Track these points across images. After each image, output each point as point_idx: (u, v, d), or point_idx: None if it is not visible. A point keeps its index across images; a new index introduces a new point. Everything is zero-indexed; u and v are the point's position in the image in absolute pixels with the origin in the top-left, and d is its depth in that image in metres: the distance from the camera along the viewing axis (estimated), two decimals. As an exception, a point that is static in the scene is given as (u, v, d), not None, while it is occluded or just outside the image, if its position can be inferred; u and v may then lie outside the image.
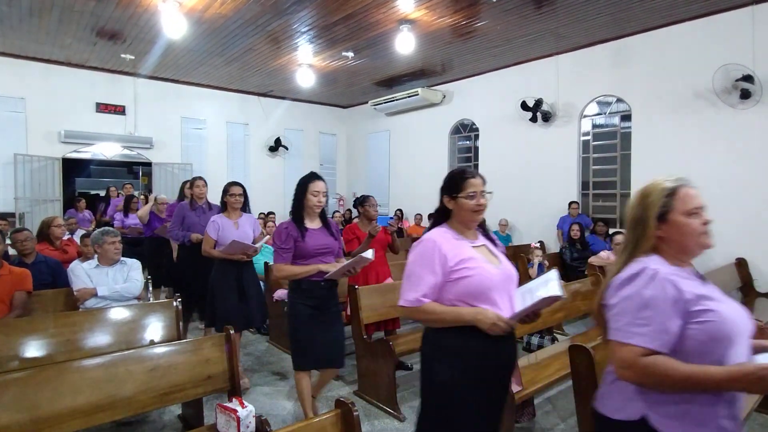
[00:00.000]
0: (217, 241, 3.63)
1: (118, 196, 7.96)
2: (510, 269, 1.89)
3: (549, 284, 1.72)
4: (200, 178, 4.59)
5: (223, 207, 3.76)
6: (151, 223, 5.84)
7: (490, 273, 1.77)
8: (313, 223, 2.81)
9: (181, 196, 5.15)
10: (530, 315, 1.76)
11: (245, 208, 3.83)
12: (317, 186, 2.75)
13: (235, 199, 3.70)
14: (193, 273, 4.28)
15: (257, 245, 3.60)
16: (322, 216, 2.88)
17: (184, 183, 5.17)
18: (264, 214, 9.06)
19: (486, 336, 1.71)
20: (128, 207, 6.70)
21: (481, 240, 1.95)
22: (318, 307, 2.75)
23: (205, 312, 3.85)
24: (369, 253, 2.71)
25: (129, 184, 8.04)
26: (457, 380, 1.78)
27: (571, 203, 7.32)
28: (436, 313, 1.77)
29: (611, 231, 6.64)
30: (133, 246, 5.92)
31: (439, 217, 1.93)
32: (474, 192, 1.85)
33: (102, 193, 13.09)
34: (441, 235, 1.82)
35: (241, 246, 3.49)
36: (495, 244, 2.01)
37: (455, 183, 1.86)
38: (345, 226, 5.29)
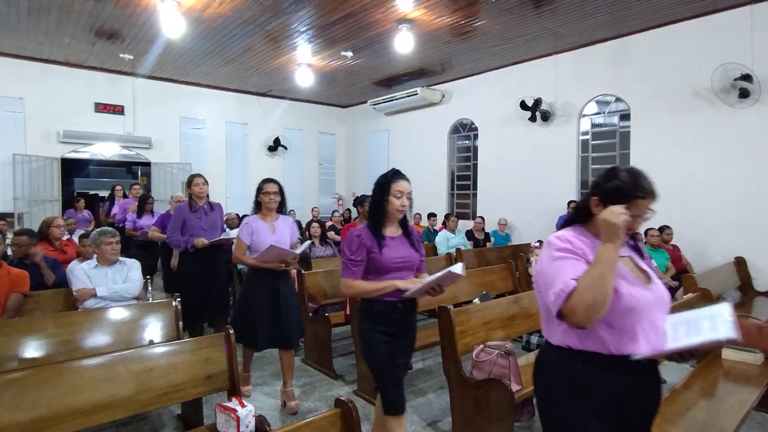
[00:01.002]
0: (250, 247, 3.25)
1: (125, 197, 7.57)
2: (662, 291, 1.56)
3: (718, 323, 1.38)
4: (199, 175, 4.17)
5: (257, 208, 3.34)
6: (165, 226, 5.50)
7: (639, 294, 1.44)
8: (391, 231, 2.35)
9: (189, 196, 4.72)
10: (682, 354, 1.45)
11: (282, 208, 3.37)
12: (401, 185, 2.29)
13: (270, 198, 3.25)
14: (202, 280, 3.96)
15: (297, 251, 3.19)
16: (403, 222, 2.42)
17: (191, 179, 4.69)
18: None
19: (629, 368, 1.41)
20: (143, 208, 6.30)
21: (626, 250, 1.60)
22: (394, 333, 2.31)
23: (233, 328, 3.36)
24: (458, 268, 2.18)
25: (137, 185, 7.64)
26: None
27: (569, 202, 7.32)
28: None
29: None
30: (144, 250, 5.72)
31: (577, 216, 1.60)
32: (639, 213, 1.47)
33: (101, 193, 13.11)
34: (576, 238, 1.51)
35: (280, 252, 3.11)
36: (642, 256, 1.66)
37: (623, 194, 1.45)
38: (343, 225, 5.27)
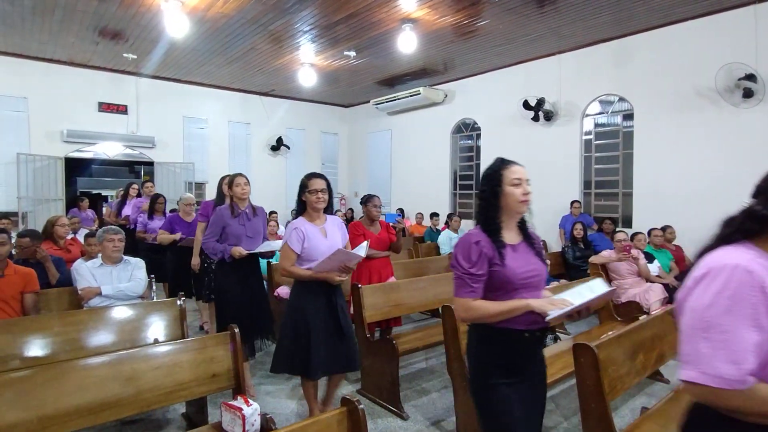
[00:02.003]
0: (301, 256, 2.73)
1: (139, 195, 6.89)
2: None
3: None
4: (241, 174, 3.59)
5: (301, 208, 2.83)
6: (174, 229, 5.02)
7: None
8: (510, 237, 1.84)
9: (220, 196, 4.08)
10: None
11: (329, 208, 2.87)
12: (516, 170, 1.84)
13: (318, 197, 2.73)
14: (243, 295, 3.42)
15: (362, 254, 2.70)
16: (522, 226, 1.92)
17: (222, 179, 4.14)
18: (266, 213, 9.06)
19: None
20: (153, 209, 5.80)
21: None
22: (521, 371, 1.77)
23: (280, 353, 2.80)
24: (604, 285, 1.87)
25: (150, 182, 7.04)
26: None
27: (573, 202, 7.31)
28: None
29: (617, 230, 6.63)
30: (154, 253, 5.29)
31: (739, 231, 1.15)
32: None
33: (104, 192, 13.14)
34: (755, 262, 1.03)
35: (346, 257, 2.64)
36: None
37: None
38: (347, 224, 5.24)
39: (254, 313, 3.47)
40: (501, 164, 1.86)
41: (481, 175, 1.91)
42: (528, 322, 1.73)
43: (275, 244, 3.52)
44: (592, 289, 1.85)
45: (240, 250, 3.36)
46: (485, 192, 1.85)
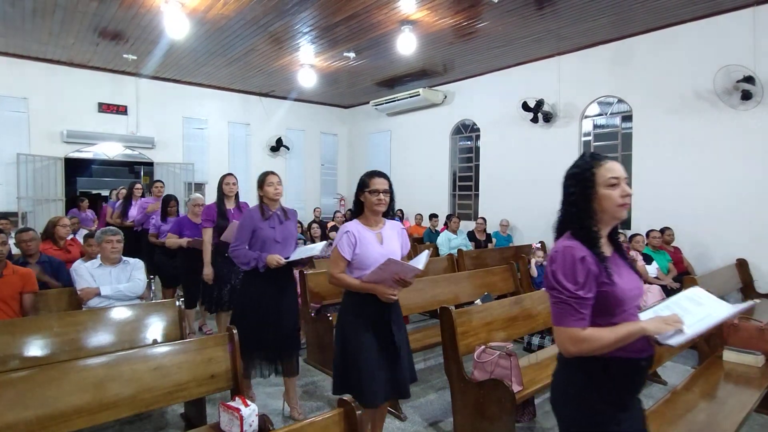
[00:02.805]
0: (351, 263, 2.41)
1: (143, 196, 6.57)
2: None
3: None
4: (273, 173, 3.22)
5: (358, 209, 2.50)
6: (182, 233, 4.83)
7: None
8: (606, 248, 1.54)
9: (220, 198, 4.01)
10: None
11: (389, 212, 2.54)
12: (613, 169, 1.51)
13: (379, 198, 2.40)
14: (273, 308, 3.08)
15: (419, 266, 2.28)
16: (613, 233, 1.58)
17: (222, 179, 4.06)
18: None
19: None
20: (166, 211, 5.55)
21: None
22: (632, 406, 1.52)
23: (334, 373, 2.51)
24: (707, 298, 1.61)
25: (159, 182, 6.58)
26: None
27: (570, 203, 7.32)
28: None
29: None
30: (169, 257, 5.09)
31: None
32: None
33: (104, 193, 13.14)
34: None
35: (400, 269, 2.27)
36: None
37: None
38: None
39: (283, 332, 3.09)
40: (592, 161, 1.55)
41: (565, 174, 1.63)
42: (640, 348, 1.45)
43: (314, 249, 3.16)
44: (699, 301, 1.55)
45: (277, 258, 2.98)
46: (574, 195, 1.54)
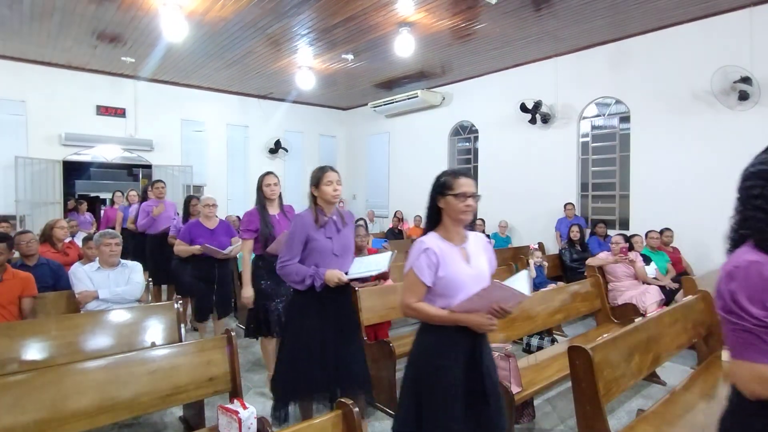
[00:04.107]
0: (433, 288, 1.88)
1: (146, 199, 6.11)
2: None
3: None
4: (331, 169, 2.62)
5: (434, 219, 2.01)
6: (193, 238, 4.21)
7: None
8: None
9: (260, 201, 3.41)
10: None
11: (473, 223, 2.27)
12: None
13: (467, 205, 1.89)
14: (329, 334, 2.53)
15: (525, 293, 1.82)
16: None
17: (262, 178, 3.43)
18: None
19: None
20: (188, 212, 5.09)
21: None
22: None
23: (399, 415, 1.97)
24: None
25: (160, 182, 5.98)
26: None
27: (566, 205, 7.34)
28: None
29: (614, 233, 6.65)
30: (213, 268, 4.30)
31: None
32: None
33: (102, 195, 13.13)
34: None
35: (502, 294, 1.76)
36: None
37: None
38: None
39: (347, 362, 2.55)
40: None
41: (747, 172, 1.39)
42: None
43: (380, 263, 2.54)
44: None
45: (338, 275, 2.47)
46: (761, 198, 1.26)
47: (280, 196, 3.51)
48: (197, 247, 4.14)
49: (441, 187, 1.95)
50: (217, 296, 4.30)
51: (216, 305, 4.31)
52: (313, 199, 2.62)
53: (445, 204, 1.93)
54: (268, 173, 3.45)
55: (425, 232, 2.06)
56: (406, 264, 1.95)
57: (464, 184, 1.90)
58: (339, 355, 2.54)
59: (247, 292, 3.37)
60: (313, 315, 2.53)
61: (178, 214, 5.70)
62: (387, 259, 2.33)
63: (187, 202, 5.17)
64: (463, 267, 1.90)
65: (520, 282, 1.84)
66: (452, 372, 1.86)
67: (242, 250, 3.50)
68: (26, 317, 3.28)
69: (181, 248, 4.26)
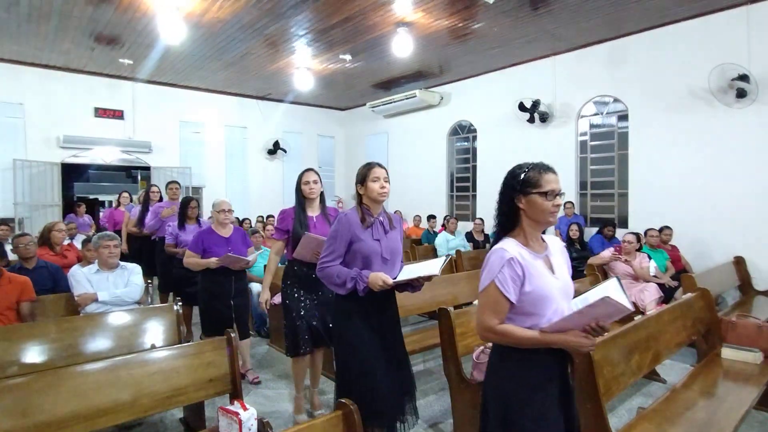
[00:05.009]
0: (516, 306, 1.61)
1: (161, 200, 5.81)
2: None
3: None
4: (379, 165, 2.49)
5: (510, 221, 1.73)
6: (205, 249, 3.68)
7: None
8: None
9: (299, 200, 3.09)
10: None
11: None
12: None
13: (556, 203, 1.67)
14: (378, 347, 2.32)
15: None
16: None
17: (302, 175, 3.12)
18: (263, 217, 9.08)
19: None
20: (185, 214, 4.57)
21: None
22: None
23: None
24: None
25: (175, 182, 5.59)
26: None
27: (565, 203, 7.34)
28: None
29: (625, 232, 6.65)
30: (193, 273, 3.86)
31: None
32: None
33: (101, 198, 13.13)
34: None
35: (606, 311, 1.51)
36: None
37: None
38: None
39: (399, 376, 2.37)
40: None
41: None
42: None
43: (432, 268, 2.26)
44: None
45: (383, 278, 2.23)
46: None
47: (322, 196, 3.17)
48: (213, 260, 3.58)
49: (523, 184, 1.69)
50: (236, 314, 3.71)
51: (236, 325, 3.66)
52: (359, 198, 2.44)
53: (528, 204, 1.67)
54: (308, 170, 3.14)
55: (497, 237, 1.77)
56: (482, 277, 1.65)
57: (552, 181, 1.67)
58: (386, 361, 2.35)
59: (265, 295, 3.16)
60: (357, 320, 2.32)
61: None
62: (439, 264, 2.14)
63: (185, 204, 4.59)
64: (551, 279, 1.66)
65: (614, 291, 1.54)
66: (546, 404, 1.61)
67: (271, 250, 3.24)
68: (25, 321, 3.27)
69: (191, 261, 3.67)
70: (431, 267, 2.27)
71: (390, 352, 2.36)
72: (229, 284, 3.69)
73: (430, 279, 2.27)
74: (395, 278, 2.30)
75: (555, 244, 1.79)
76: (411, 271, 2.35)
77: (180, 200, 4.75)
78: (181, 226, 4.56)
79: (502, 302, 1.59)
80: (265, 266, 3.34)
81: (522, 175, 1.70)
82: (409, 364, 2.51)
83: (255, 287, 5.01)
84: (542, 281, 1.61)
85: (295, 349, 3.05)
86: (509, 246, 1.64)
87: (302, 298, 3.04)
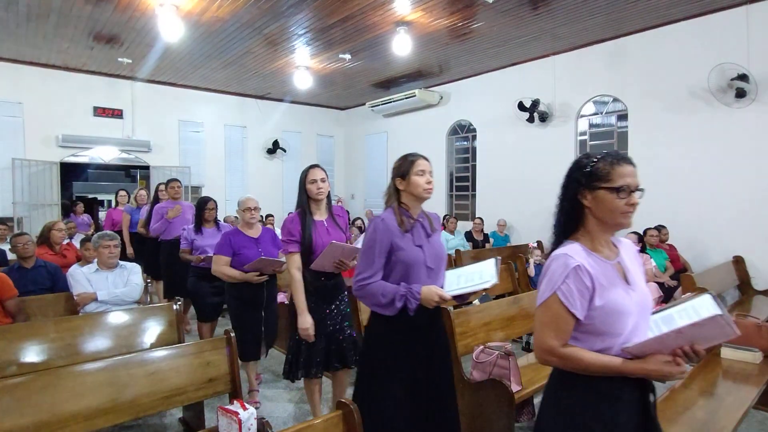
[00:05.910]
0: (582, 324, 1.36)
1: (158, 200, 5.64)
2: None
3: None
4: (422, 156, 2.09)
5: (573, 222, 1.49)
6: (237, 252, 3.34)
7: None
8: None
9: (302, 201, 2.83)
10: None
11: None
12: None
13: (631, 202, 1.42)
14: (419, 372, 2.02)
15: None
16: None
17: (306, 172, 2.89)
18: (263, 216, 9.08)
19: None
20: (202, 217, 4.24)
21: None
22: None
23: None
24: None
25: (176, 181, 5.34)
26: None
27: (566, 203, 7.34)
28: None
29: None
30: (210, 281, 3.78)
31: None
32: None
33: (100, 197, 13.12)
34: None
35: (697, 334, 1.24)
36: None
37: None
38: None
39: (439, 408, 2.05)
40: None
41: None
42: None
43: (483, 272, 1.96)
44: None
45: (439, 293, 1.90)
46: None
47: (328, 197, 2.83)
48: (253, 275, 3.23)
49: (589, 177, 1.43)
50: (265, 326, 3.40)
51: (265, 337, 3.41)
52: (397, 195, 2.06)
53: (595, 201, 1.41)
54: (314, 166, 2.80)
55: (556, 240, 1.50)
56: (541, 288, 1.39)
57: (628, 174, 1.42)
58: (430, 398, 2.00)
59: (306, 322, 2.61)
60: (399, 347, 1.96)
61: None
62: (492, 266, 1.84)
63: (202, 205, 4.24)
64: (626, 292, 1.37)
65: (709, 307, 1.26)
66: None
67: (289, 267, 2.70)
68: (17, 318, 3.24)
69: (227, 272, 3.24)
70: (484, 273, 1.94)
71: (432, 391, 2.00)
72: (261, 291, 3.33)
73: (487, 290, 1.96)
74: (449, 291, 1.96)
75: (628, 249, 1.51)
76: (459, 276, 2.03)
77: (181, 199, 4.69)
78: (198, 229, 4.19)
79: (566, 319, 1.32)
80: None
81: (589, 166, 1.44)
82: (455, 406, 2.12)
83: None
84: (616, 293, 1.33)
85: (307, 369, 2.70)
86: (574, 251, 1.36)
87: (324, 307, 2.70)
